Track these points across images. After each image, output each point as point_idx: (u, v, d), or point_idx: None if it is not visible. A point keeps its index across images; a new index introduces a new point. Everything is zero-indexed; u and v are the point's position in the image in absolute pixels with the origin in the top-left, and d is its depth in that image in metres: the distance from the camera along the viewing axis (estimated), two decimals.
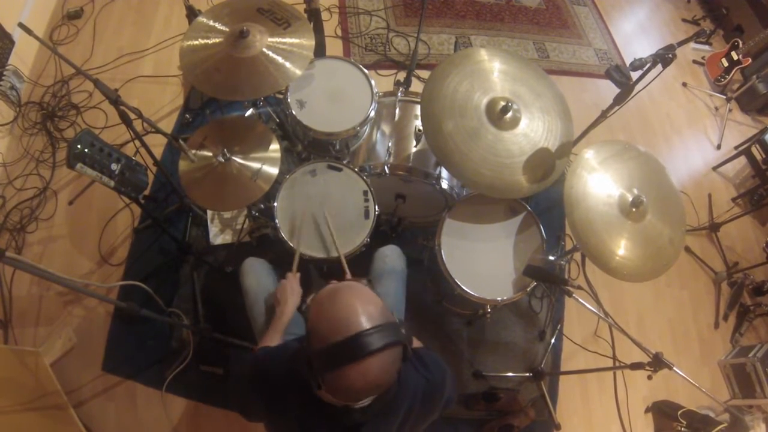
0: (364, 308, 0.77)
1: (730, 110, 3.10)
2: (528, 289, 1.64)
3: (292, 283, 1.39)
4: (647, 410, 2.19)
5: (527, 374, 2.07)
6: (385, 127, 1.87)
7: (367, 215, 1.66)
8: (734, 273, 2.54)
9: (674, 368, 1.32)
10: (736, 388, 2.29)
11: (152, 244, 2.14)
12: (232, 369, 1.90)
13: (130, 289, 1.86)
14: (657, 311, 2.44)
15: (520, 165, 1.55)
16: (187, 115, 2.44)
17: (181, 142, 1.52)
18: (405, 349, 0.80)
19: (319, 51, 2.22)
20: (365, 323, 0.75)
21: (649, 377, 1.38)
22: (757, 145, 2.60)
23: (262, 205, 1.92)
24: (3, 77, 2.30)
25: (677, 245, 1.59)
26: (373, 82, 1.81)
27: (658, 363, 1.34)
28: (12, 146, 2.32)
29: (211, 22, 1.60)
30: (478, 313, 2.00)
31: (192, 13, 1.95)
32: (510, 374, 2.08)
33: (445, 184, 1.78)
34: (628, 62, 2.12)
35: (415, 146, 1.81)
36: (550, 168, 1.59)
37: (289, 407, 0.93)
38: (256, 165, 1.57)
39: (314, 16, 1.98)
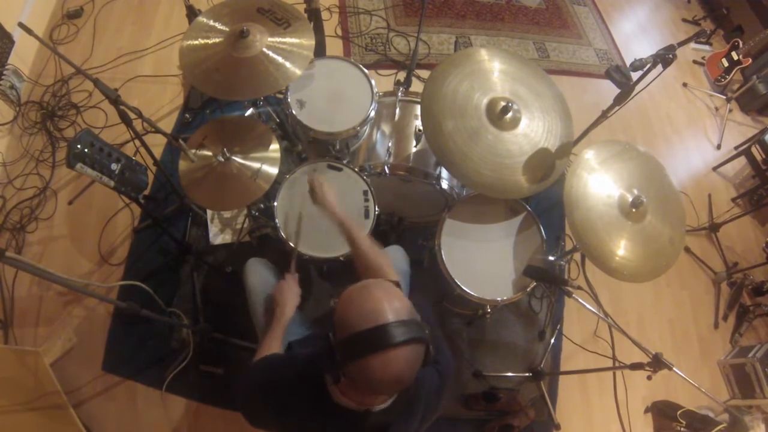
0: (392, 303, 0.79)
1: (730, 110, 3.10)
2: (528, 290, 1.64)
3: (291, 283, 1.39)
4: (647, 410, 2.20)
5: (527, 374, 2.07)
6: (385, 127, 1.87)
7: (367, 215, 1.66)
8: (734, 273, 2.54)
9: (674, 368, 1.32)
10: (735, 389, 2.29)
11: (152, 244, 2.14)
12: (239, 376, 1.89)
13: (130, 289, 1.86)
14: (657, 311, 2.44)
15: (520, 165, 1.55)
16: (187, 115, 2.44)
17: (181, 141, 1.52)
18: (428, 350, 0.81)
19: (319, 51, 2.22)
20: (391, 316, 0.76)
21: (649, 377, 1.38)
22: (757, 146, 2.60)
23: (262, 205, 1.92)
24: (3, 77, 2.30)
25: (677, 245, 1.59)
26: (373, 82, 1.81)
27: (657, 363, 1.34)
28: (12, 146, 2.32)
29: (211, 22, 1.60)
30: (478, 313, 2.00)
31: (192, 13, 1.95)
32: (510, 374, 2.08)
33: (445, 184, 1.77)
34: (628, 62, 2.12)
35: (415, 146, 1.81)
36: (550, 168, 1.59)
37: (307, 419, 0.92)
38: (255, 165, 1.57)
39: (314, 15, 1.98)
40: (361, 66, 1.85)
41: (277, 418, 0.96)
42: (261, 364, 1.07)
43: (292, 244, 1.56)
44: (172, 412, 1.89)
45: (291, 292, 1.36)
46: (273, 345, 1.22)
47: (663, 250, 1.56)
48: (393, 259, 1.55)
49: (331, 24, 2.90)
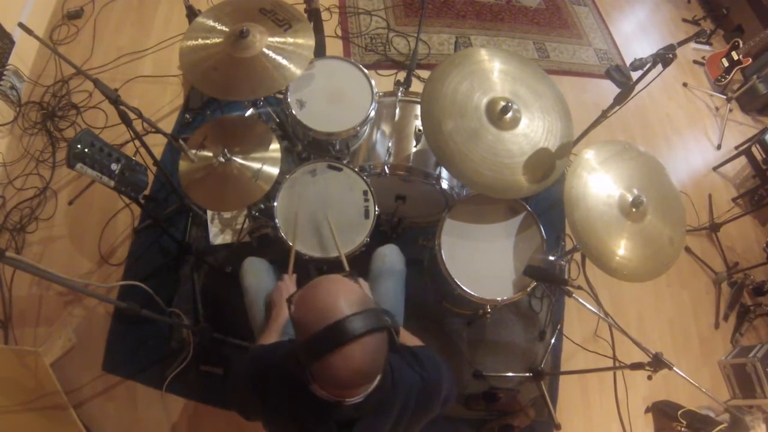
0: (344, 296, 0.78)
1: (730, 110, 3.10)
2: (528, 289, 1.64)
3: (288, 285, 1.39)
4: (647, 410, 2.19)
5: (527, 374, 2.07)
6: (385, 127, 1.87)
7: (367, 215, 1.66)
8: (734, 273, 2.54)
9: (674, 368, 1.32)
10: (736, 388, 2.29)
11: (152, 244, 2.14)
12: (230, 367, 1.90)
13: (130, 289, 1.86)
14: (657, 311, 2.44)
15: (521, 165, 1.55)
16: (187, 115, 2.44)
17: (181, 142, 1.52)
18: (391, 336, 0.80)
19: (319, 51, 2.22)
20: (345, 310, 0.76)
21: (649, 377, 1.37)
22: (757, 145, 2.60)
23: (262, 205, 1.92)
24: (3, 77, 2.30)
25: (677, 245, 1.59)
26: (373, 82, 1.81)
27: (658, 363, 1.33)
28: (12, 146, 2.32)
29: (211, 22, 1.60)
30: (478, 313, 2.00)
31: (192, 13, 1.95)
32: (510, 374, 2.08)
33: (445, 184, 1.77)
34: (628, 62, 2.12)
35: (415, 146, 1.81)
36: (550, 168, 1.59)
37: (284, 404, 0.94)
38: (256, 165, 1.57)
39: (314, 16, 1.98)
40: (361, 66, 1.85)
41: (262, 404, 0.97)
42: (248, 354, 1.08)
43: (290, 244, 1.56)
44: (172, 412, 1.89)
45: (288, 294, 1.36)
46: (268, 342, 1.22)
47: (663, 250, 1.56)
48: (388, 258, 1.56)
49: (331, 24, 2.90)
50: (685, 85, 3.21)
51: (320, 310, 0.77)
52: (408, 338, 1.24)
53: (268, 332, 1.28)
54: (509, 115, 1.55)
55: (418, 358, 1.02)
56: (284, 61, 1.54)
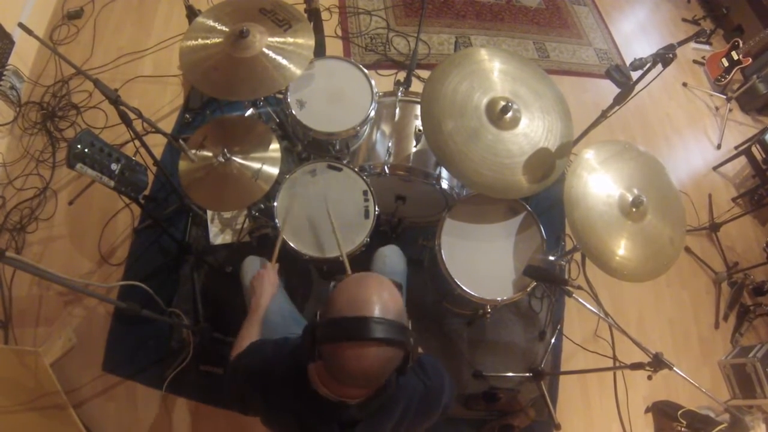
0: (385, 301, 0.79)
1: (730, 110, 3.10)
2: (528, 289, 1.64)
3: (270, 272, 1.39)
4: (647, 410, 2.19)
5: (527, 374, 2.07)
6: (385, 127, 1.87)
7: (367, 215, 1.66)
8: (734, 273, 2.54)
9: (674, 368, 1.32)
10: (736, 388, 2.29)
11: (152, 244, 2.14)
12: (231, 362, 1.90)
13: (130, 289, 1.86)
14: (657, 311, 2.44)
15: (520, 165, 1.55)
16: (187, 115, 2.45)
17: (181, 142, 1.51)
18: (406, 358, 0.81)
19: (319, 51, 2.22)
20: (377, 312, 0.77)
21: (649, 377, 1.37)
22: (757, 145, 2.60)
23: (262, 205, 1.92)
24: (3, 77, 2.30)
25: (677, 245, 1.58)
26: (373, 82, 1.81)
27: (658, 363, 1.33)
28: (12, 146, 2.32)
29: (211, 22, 1.60)
30: (478, 313, 2.00)
31: (192, 13, 1.95)
32: (510, 374, 2.08)
33: (445, 184, 1.77)
34: (628, 62, 2.12)
35: (415, 146, 1.81)
36: (550, 168, 1.59)
37: (287, 403, 0.94)
38: (256, 165, 1.57)
39: (314, 16, 1.98)
40: (361, 66, 1.85)
41: (263, 401, 0.97)
42: (250, 349, 1.07)
43: (292, 245, 1.56)
44: (172, 412, 1.89)
45: (268, 282, 1.37)
46: (251, 333, 1.22)
47: (663, 249, 1.56)
48: (389, 259, 1.56)
49: (331, 24, 2.90)
50: (684, 84, 3.21)
51: (358, 300, 0.78)
52: None
53: (249, 322, 1.27)
54: (509, 114, 1.55)
55: (423, 365, 1.02)
56: (284, 61, 1.54)
